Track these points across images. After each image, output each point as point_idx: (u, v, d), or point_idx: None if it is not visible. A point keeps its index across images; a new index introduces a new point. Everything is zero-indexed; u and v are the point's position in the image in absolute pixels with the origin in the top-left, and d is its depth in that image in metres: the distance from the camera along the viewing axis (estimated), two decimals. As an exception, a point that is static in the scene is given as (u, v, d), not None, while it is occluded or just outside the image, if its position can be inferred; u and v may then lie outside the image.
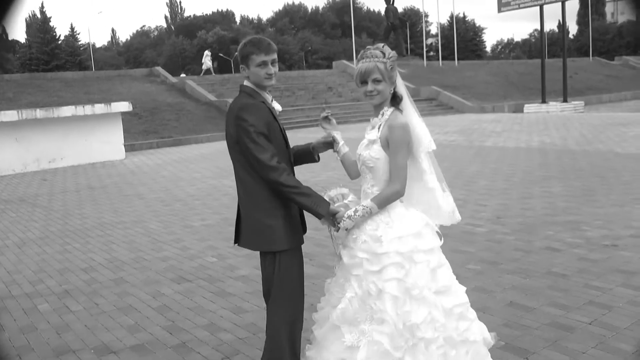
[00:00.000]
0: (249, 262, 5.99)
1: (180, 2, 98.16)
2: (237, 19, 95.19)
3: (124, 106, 18.03)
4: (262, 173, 2.94)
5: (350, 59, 44.02)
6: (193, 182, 11.84)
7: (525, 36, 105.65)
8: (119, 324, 4.62)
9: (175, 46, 77.62)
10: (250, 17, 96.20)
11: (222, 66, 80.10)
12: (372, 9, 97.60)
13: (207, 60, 35.45)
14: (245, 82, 3.10)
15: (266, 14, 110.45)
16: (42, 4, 59.85)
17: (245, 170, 3.04)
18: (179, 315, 4.74)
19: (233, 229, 3.27)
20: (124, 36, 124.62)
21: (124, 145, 18.13)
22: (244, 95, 3.07)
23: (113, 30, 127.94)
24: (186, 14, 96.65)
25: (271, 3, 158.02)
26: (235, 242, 3.23)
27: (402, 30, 60.33)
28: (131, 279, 5.81)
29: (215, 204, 9.45)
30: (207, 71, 34.96)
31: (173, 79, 30.98)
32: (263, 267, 3.16)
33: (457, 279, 3.02)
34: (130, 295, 5.29)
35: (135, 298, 5.22)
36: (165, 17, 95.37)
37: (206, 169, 13.88)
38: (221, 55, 78.56)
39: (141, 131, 21.91)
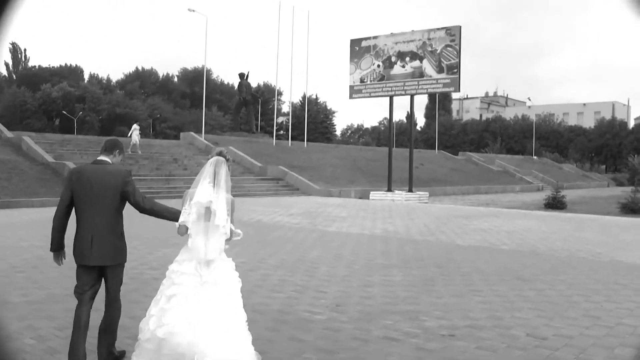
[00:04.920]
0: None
1: (25, 50, 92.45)
2: (86, 77, 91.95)
3: (-54, 160, 16.29)
4: None
5: (199, 130, 43.74)
6: (18, 252, 10.76)
7: (375, 123, 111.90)
8: None
9: (16, 97, 73.04)
10: (100, 76, 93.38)
11: (63, 125, 76.04)
12: (224, 81, 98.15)
13: (135, 135, 32.13)
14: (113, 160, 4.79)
15: (117, 75, 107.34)
16: None
17: None
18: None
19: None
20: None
21: (-59, 204, 16.30)
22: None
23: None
24: (31, 63, 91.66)
25: (123, 64, 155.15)
26: None
27: (254, 106, 61.28)
28: None
29: (40, 277, 8.56)
30: (134, 147, 31.92)
31: (9, 134, 29.02)
32: None
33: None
34: None
35: None
36: (6, 64, 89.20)
37: (35, 237, 12.70)
38: (65, 112, 74.70)
39: (-35, 189, 19.99)
